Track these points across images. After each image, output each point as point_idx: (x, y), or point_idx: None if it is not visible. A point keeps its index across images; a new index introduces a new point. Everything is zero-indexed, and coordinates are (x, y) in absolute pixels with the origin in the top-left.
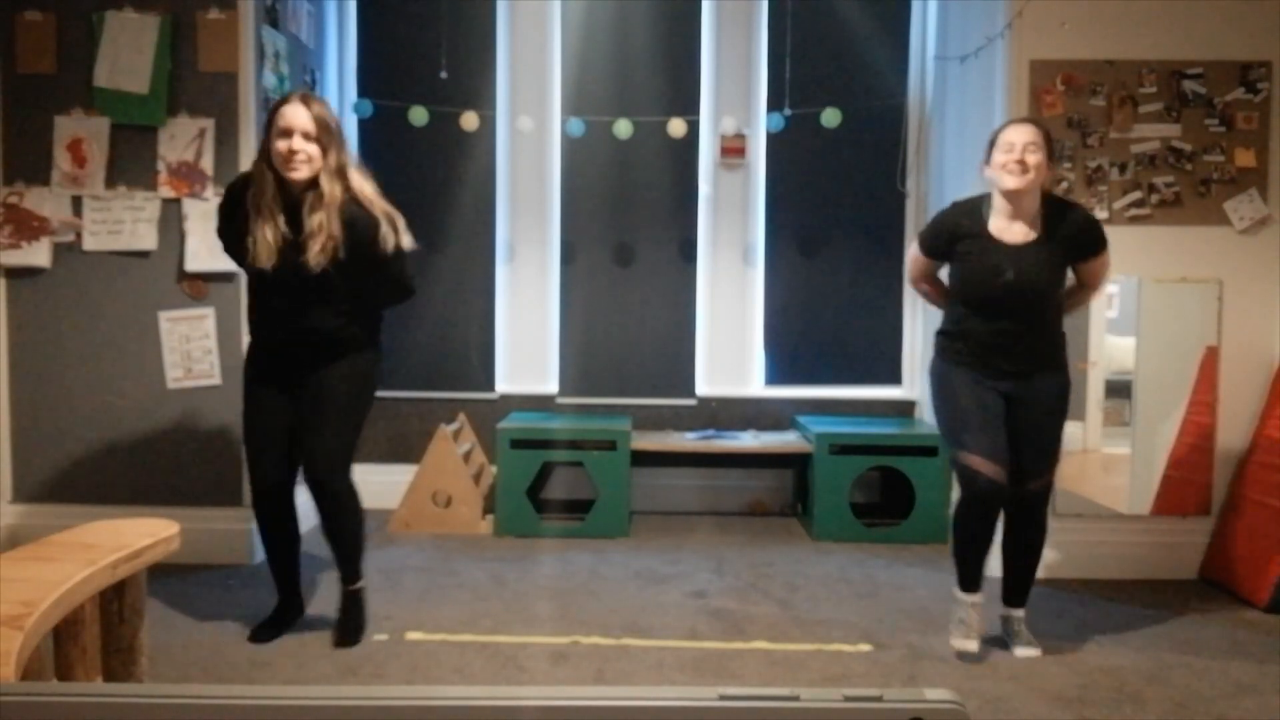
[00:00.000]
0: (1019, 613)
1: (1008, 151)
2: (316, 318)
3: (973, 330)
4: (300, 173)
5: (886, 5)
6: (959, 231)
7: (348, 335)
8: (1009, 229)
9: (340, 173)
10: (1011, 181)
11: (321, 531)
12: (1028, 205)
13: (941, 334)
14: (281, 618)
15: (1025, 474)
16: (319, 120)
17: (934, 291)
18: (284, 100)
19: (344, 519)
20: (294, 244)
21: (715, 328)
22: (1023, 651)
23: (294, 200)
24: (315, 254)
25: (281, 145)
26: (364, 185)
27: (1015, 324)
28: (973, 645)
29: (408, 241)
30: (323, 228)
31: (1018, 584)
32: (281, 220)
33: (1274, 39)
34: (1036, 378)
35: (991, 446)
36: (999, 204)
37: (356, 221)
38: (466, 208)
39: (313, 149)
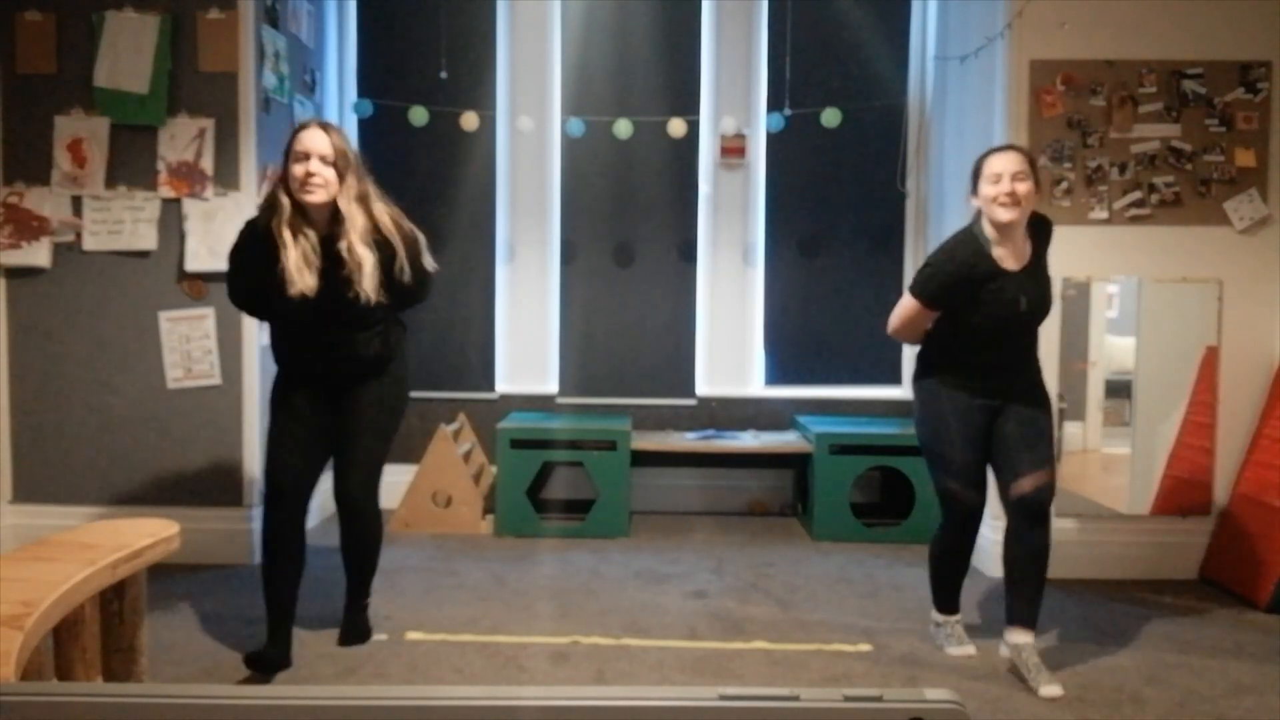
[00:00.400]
0: (1029, 639)
1: (995, 183)
2: (359, 345)
3: (977, 361)
4: (316, 196)
5: (886, 5)
6: (976, 275)
7: (386, 355)
8: (1008, 258)
9: (363, 201)
10: (1005, 215)
11: (341, 549)
12: (1019, 232)
13: (937, 362)
14: (273, 661)
15: (1017, 471)
16: (336, 147)
17: (916, 337)
18: (302, 126)
19: (368, 540)
20: (330, 273)
21: (715, 328)
22: (1048, 690)
23: (319, 232)
24: (367, 287)
25: (299, 169)
26: (384, 215)
27: (1019, 348)
28: (970, 649)
29: (430, 264)
30: (353, 251)
31: (1026, 600)
32: (315, 242)
33: (1274, 39)
34: (1015, 394)
35: (972, 474)
36: (992, 234)
37: (383, 250)
38: (466, 208)
39: (329, 173)
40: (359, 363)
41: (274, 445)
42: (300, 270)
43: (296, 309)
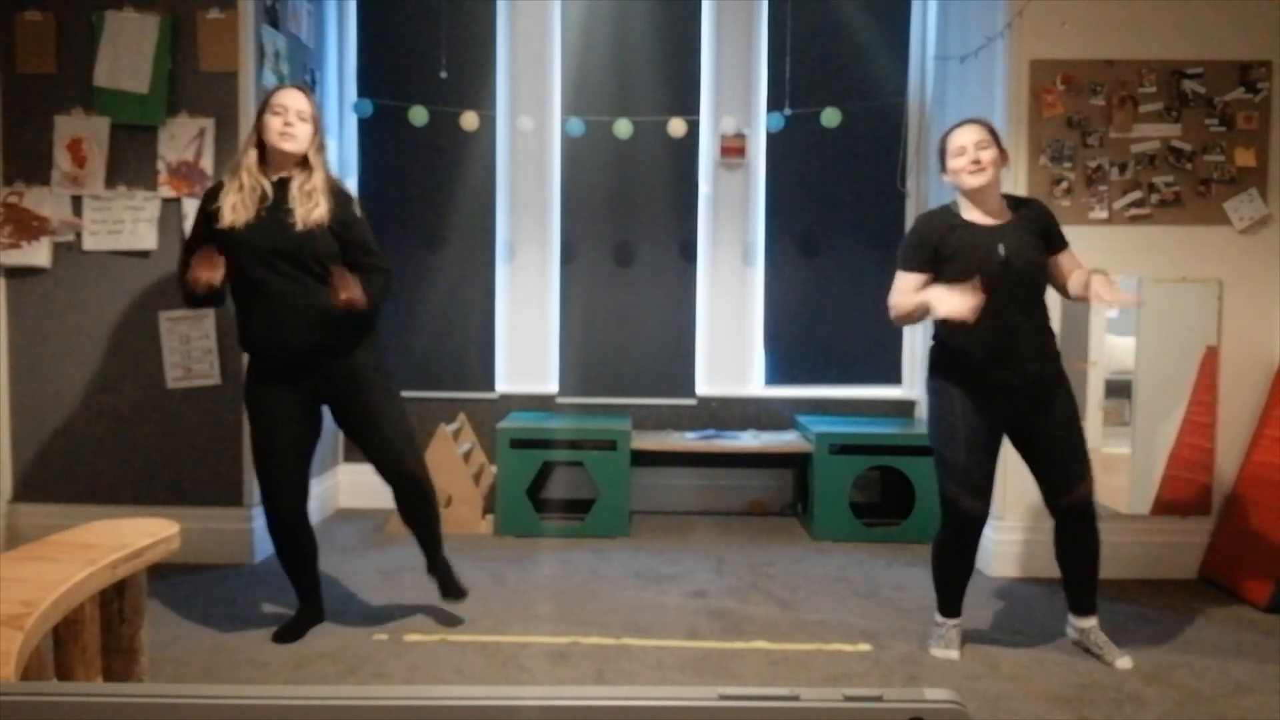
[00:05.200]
0: (1092, 622)
1: (960, 155)
2: (319, 297)
3: (973, 332)
4: (290, 144)
5: (886, 5)
6: (939, 230)
7: (350, 313)
8: (983, 219)
9: (323, 160)
10: (973, 181)
11: (406, 519)
12: (992, 198)
13: (940, 346)
14: (304, 621)
15: (1068, 482)
16: (312, 109)
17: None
18: (279, 87)
19: (431, 504)
20: (277, 208)
21: (715, 328)
22: (1121, 662)
23: (283, 185)
24: (305, 213)
25: (276, 120)
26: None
27: (1014, 314)
28: (954, 654)
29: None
30: (304, 187)
31: (1085, 592)
32: (267, 187)
33: (1274, 39)
34: (1040, 391)
35: (975, 480)
36: (965, 204)
37: (338, 193)
38: (466, 208)
39: (305, 129)
40: (321, 318)
41: (262, 453)
42: (235, 208)
43: (244, 247)
